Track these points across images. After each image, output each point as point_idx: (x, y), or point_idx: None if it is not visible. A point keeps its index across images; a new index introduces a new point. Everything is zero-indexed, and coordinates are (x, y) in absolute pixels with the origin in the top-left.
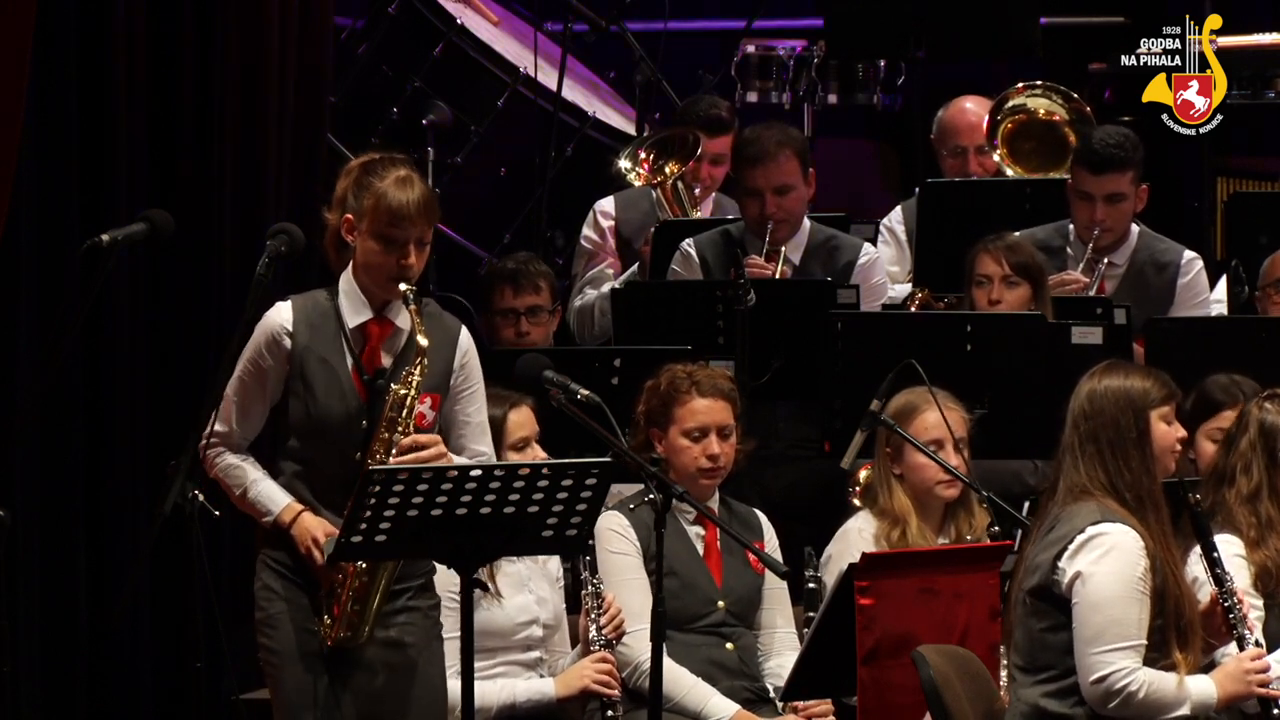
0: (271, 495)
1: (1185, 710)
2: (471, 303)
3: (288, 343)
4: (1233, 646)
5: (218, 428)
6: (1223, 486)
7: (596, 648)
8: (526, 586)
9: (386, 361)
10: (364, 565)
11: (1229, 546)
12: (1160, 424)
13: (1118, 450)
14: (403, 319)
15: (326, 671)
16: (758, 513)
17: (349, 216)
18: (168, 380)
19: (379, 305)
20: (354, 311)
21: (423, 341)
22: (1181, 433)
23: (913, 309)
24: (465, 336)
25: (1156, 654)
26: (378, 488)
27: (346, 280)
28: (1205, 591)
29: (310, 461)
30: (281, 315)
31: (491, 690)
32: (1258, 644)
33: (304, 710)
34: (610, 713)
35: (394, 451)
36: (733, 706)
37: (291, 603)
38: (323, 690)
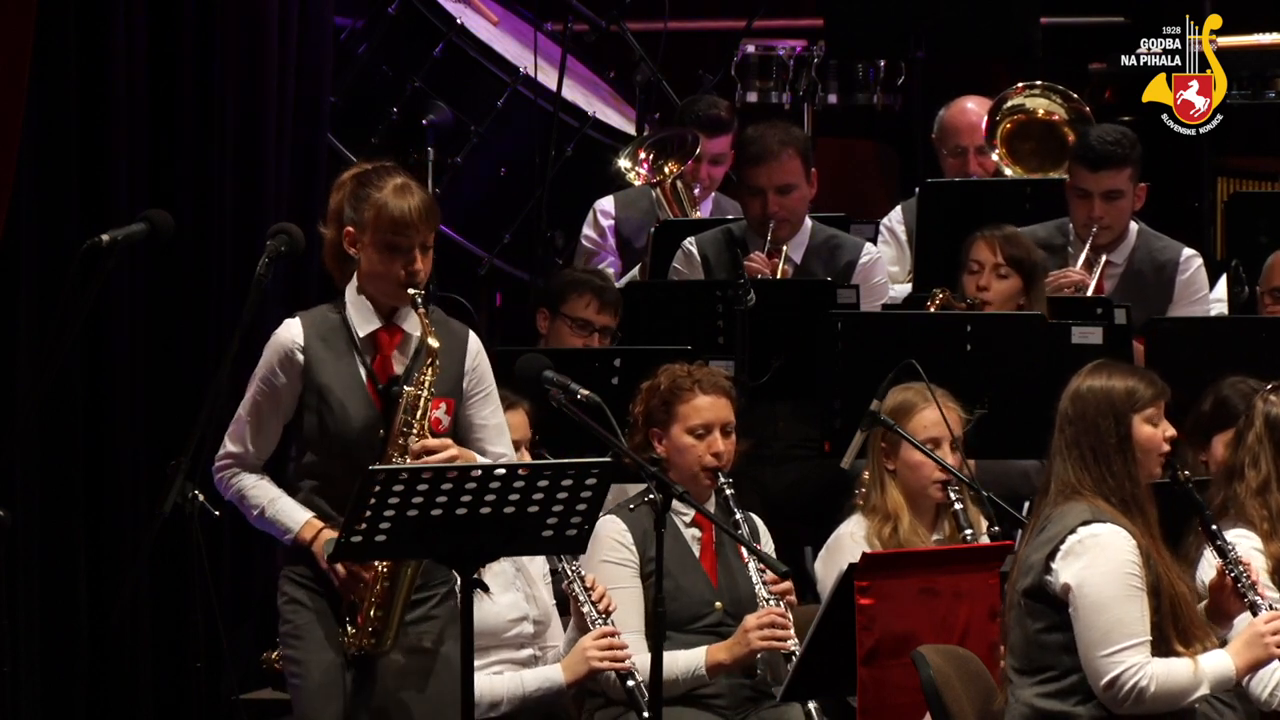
0: (290, 513)
1: (1204, 690)
2: (471, 302)
3: (300, 358)
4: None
5: (231, 448)
6: (1233, 481)
7: (595, 625)
8: (514, 584)
9: (399, 368)
10: (385, 571)
11: (1245, 540)
12: (1144, 427)
13: (1100, 455)
14: (411, 324)
15: (351, 680)
16: (753, 516)
17: (349, 230)
18: (168, 380)
19: (387, 313)
20: (363, 321)
21: (434, 343)
22: (1170, 432)
23: (932, 309)
24: (474, 340)
25: (1155, 653)
26: (378, 488)
27: (352, 292)
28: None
29: (327, 475)
30: (291, 332)
31: (500, 683)
32: (1271, 608)
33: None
34: (630, 682)
35: (407, 458)
36: (701, 652)
37: (318, 614)
38: (347, 701)
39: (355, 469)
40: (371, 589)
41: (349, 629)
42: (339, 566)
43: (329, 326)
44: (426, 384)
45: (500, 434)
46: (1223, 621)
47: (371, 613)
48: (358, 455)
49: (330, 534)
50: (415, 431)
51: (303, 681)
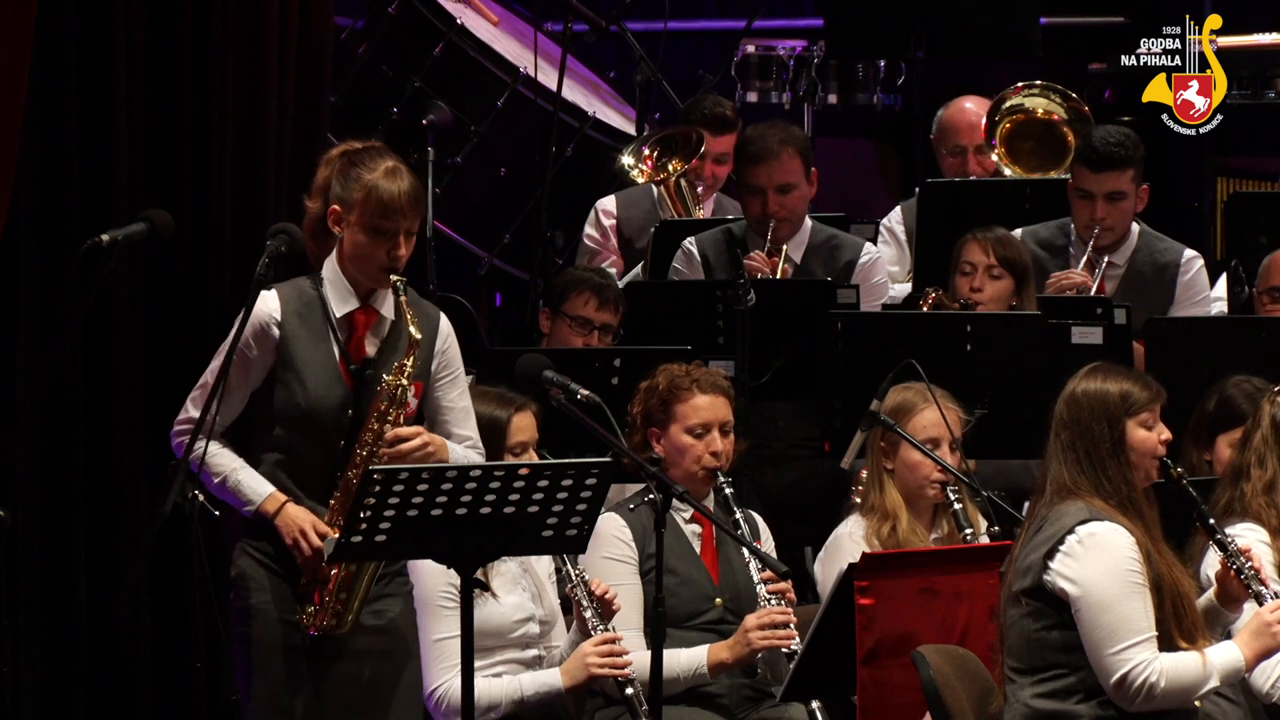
0: (253, 485)
1: (1214, 683)
2: (471, 302)
3: (276, 332)
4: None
5: (195, 413)
6: (1240, 481)
7: (597, 632)
8: (520, 584)
9: (371, 350)
10: None
11: (1253, 533)
12: (1139, 431)
13: (1095, 459)
14: (387, 307)
15: (307, 662)
16: (754, 514)
17: (336, 207)
18: (168, 380)
19: (364, 294)
20: (340, 301)
21: (416, 334)
22: (1165, 435)
23: (925, 308)
24: (445, 324)
25: (1161, 649)
26: (378, 488)
27: (331, 269)
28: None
29: (293, 450)
30: (269, 305)
31: (498, 686)
32: (1275, 595)
33: (284, 701)
34: (629, 689)
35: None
36: (703, 651)
37: (273, 593)
38: (304, 682)
39: (322, 446)
40: (337, 570)
41: (309, 607)
42: (304, 544)
43: (305, 302)
44: (408, 374)
45: (467, 416)
46: (1233, 607)
47: (337, 594)
48: (325, 433)
49: (294, 509)
50: (391, 421)
51: (259, 664)
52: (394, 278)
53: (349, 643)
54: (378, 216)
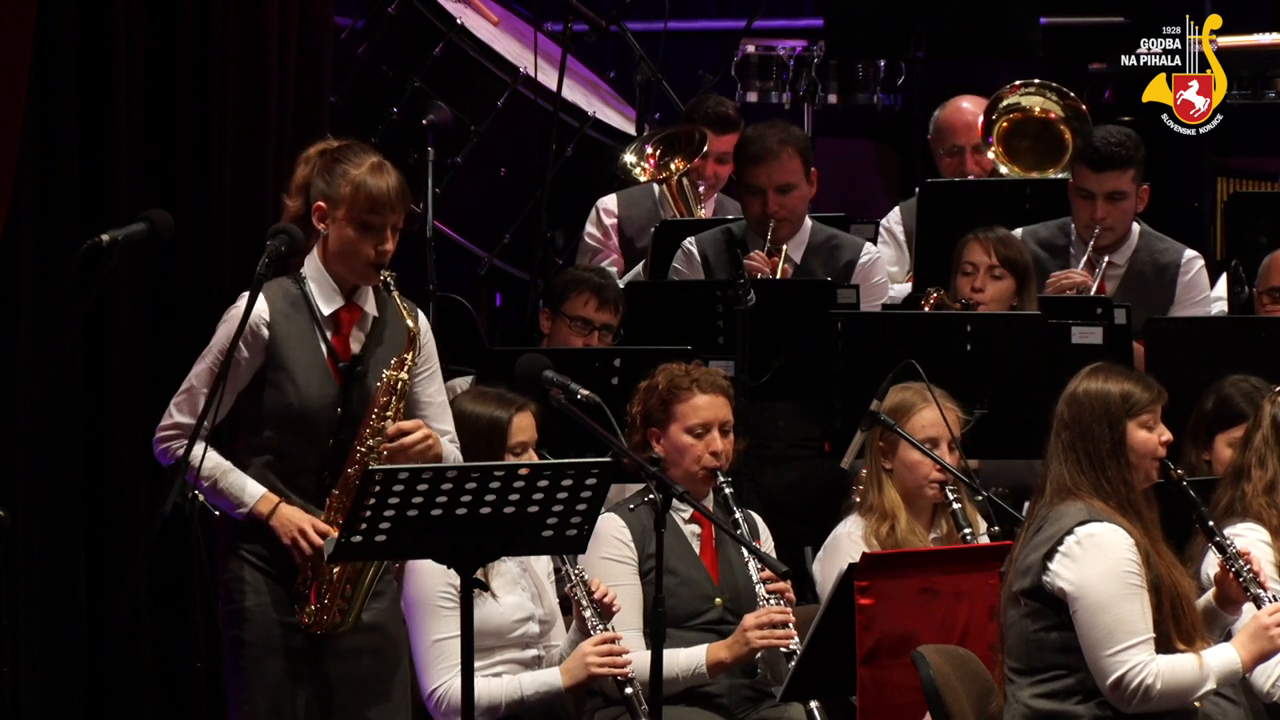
0: (244, 487)
1: (1211, 685)
2: (471, 302)
3: (266, 333)
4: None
5: (179, 419)
6: (1240, 481)
7: (596, 631)
8: (519, 584)
9: (356, 347)
10: None
11: (1254, 532)
12: (1139, 432)
13: (1095, 460)
14: (369, 304)
15: (305, 663)
16: (753, 514)
17: (321, 204)
18: (168, 380)
19: (349, 291)
20: (326, 299)
21: (414, 329)
22: (1166, 436)
23: (926, 308)
24: (424, 319)
25: (1158, 651)
26: (378, 487)
27: (314, 267)
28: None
29: (283, 451)
30: (256, 306)
31: (498, 686)
32: (1274, 599)
33: (280, 703)
34: (629, 689)
35: (381, 438)
36: (701, 650)
37: (268, 596)
38: (299, 682)
39: (312, 445)
40: (343, 568)
41: (309, 607)
42: (303, 544)
43: (290, 301)
44: (408, 367)
45: (444, 412)
46: (1232, 609)
47: (343, 589)
48: (316, 431)
49: (289, 509)
50: (392, 415)
51: (252, 665)
52: (385, 274)
53: (340, 642)
54: (366, 211)
